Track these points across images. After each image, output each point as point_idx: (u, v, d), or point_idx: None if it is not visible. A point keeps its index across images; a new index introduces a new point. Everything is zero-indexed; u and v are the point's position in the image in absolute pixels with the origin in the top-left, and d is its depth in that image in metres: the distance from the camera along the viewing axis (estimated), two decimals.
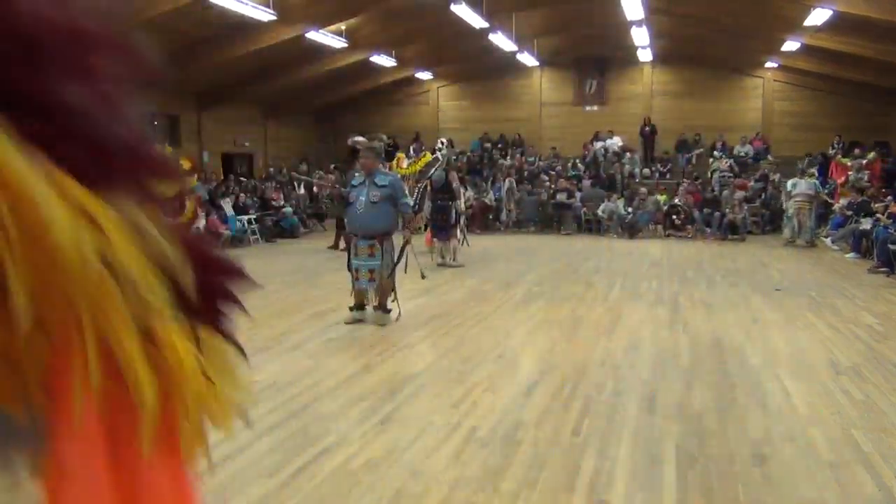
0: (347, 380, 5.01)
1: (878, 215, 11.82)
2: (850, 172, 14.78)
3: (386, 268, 6.60)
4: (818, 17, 12.33)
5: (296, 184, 17.46)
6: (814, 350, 5.92)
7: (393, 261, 6.70)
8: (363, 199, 6.54)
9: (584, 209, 16.76)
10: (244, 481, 3.36)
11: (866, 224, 12.27)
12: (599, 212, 16.36)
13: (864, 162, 14.88)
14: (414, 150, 18.74)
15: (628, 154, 20.38)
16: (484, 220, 16.86)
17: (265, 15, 12.40)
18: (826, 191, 15.02)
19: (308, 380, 4.98)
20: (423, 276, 7.07)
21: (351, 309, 6.84)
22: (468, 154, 20.85)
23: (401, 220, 7.01)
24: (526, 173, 19.53)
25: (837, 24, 13.00)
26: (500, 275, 9.99)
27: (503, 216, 17.04)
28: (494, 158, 20.69)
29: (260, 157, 20.40)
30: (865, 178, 14.52)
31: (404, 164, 11.82)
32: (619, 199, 16.79)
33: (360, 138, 6.86)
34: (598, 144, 20.57)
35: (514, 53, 18.72)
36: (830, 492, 3.29)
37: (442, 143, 12.28)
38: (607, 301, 8.09)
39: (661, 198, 16.84)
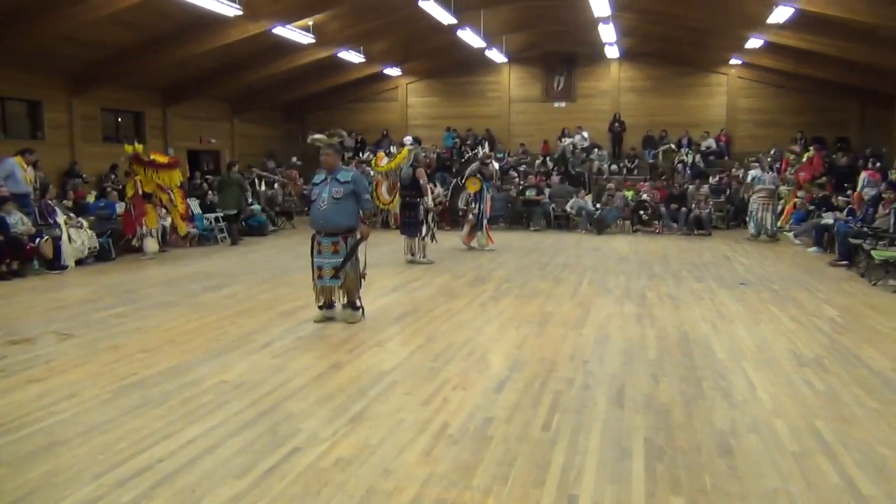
0: (317, 378, 4.98)
1: (837, 213, 12.05)
2: (789, 168, 14.68)
3: (350, 265, 6.58)
4: (781, 14, 12.54)
5: (256, 180, 17.30)
6: (777, 342, 6.04)
7: (356, 257, 6.66)
8: (325, 195, 6.49)
9: (553, 205, 16.85)
10: (213, 482, 3.33)
11: (828, 219, 12.53)
12: (568, 208, 16.47)
13: (805, 160, 14.74)
14: (384, 147, 18.69)
15: (596, 150, 20.55)
16: (453, 216, 16.85)
17: (231, 10, 12.26)
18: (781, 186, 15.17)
19: (277, 379, 4.94)
20: (362, 277, 6.92)
21: (320, 307, 6.81)
22: (439, 151, 20.83)
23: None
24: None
25: (799, 22, 13.24)
26: (470, 271, 10.01)
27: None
28: (464, 155, 20.69)
29: (227, 154, 20.19)
30: (790, 174, 14.29)
31: (383, 162, 11.83)
32: (587, 195, 16.92)
33: (319, 135, 6.76)
34: (567, 141, 20.69)
35: (482, 50, 18.74)
36: (794, 481, 3.36)
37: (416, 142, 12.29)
38: (576, 296, 8.15)
39: (629, 193, 17.01)
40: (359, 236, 6.67)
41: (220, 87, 18.27)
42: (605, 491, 3.26)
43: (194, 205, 14.20)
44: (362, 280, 6.87)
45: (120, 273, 10.01)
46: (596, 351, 5.72)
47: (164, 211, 12.03)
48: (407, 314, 7.15)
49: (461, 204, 12.64)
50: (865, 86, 17.68)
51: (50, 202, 10.81)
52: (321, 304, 6.80)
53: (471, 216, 12.26)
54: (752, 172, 14.45)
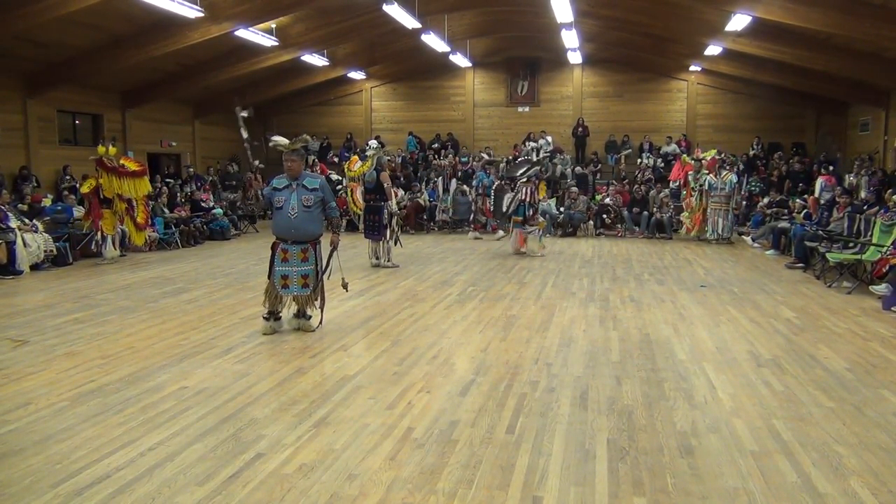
0: (280, 384, 4.94)
1: (795, 214, 12.30)
2: (689, 172, 14.73)
3: (318, 273, 6.47)
4: (738, 22, 12.79)
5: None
6: (736, 344, 6.14)
7: (322, 266, 6.52)
8: (294, 203, 6.28)
9: None
10: (174, 490, 3.28)
11: (784, 222, 12.80)
12: None
13: (704, 161, 14.78)
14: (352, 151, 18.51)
15: (559, 154, 20.71)
16: (417, 220, 16.86)
17: (192, 12, 12.08)
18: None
19: (240, 385, 4.88)
20: (344, 286, 6.88)
21: (266, 318, 6.44)
22: (404, 154, 20.81)
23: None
24: (459, 174, 19.61)
25: (757, 30, 13.53)
26: (435, 275, 10.01)
27: (437, 216, 17.07)
28: (429, 159, 20.68)
29: (188, 158, 19.90)
30: (706, 177, 14.32)
31: (356, 166, 11.68)
32: (551, 198, 17.03)
33: (279, 139, 6.56)
34: (531, 145, 20.82)
35: (446, 54, 18.77)
36: (754, 480, 3.42)
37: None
38: (540, 299, 8.20)
39: (597, 197, 17.18)
40: (331, 245, 6.57)
41: (181, 89, 17.99)
42: (569, 492, 3.28)
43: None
44: (346, 288, 6.90)
45: (77, 278, 9.81)
46: (560, 353, 5.76)
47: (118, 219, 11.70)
48: (371, 318, 7.12)
49: (505, 207, 12.38)
50: (821, 93, 18.11)
51: (2, 207, 10.54)
52: (267, 314, 6.45)
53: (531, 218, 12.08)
54: (707, 179, 14.54)
